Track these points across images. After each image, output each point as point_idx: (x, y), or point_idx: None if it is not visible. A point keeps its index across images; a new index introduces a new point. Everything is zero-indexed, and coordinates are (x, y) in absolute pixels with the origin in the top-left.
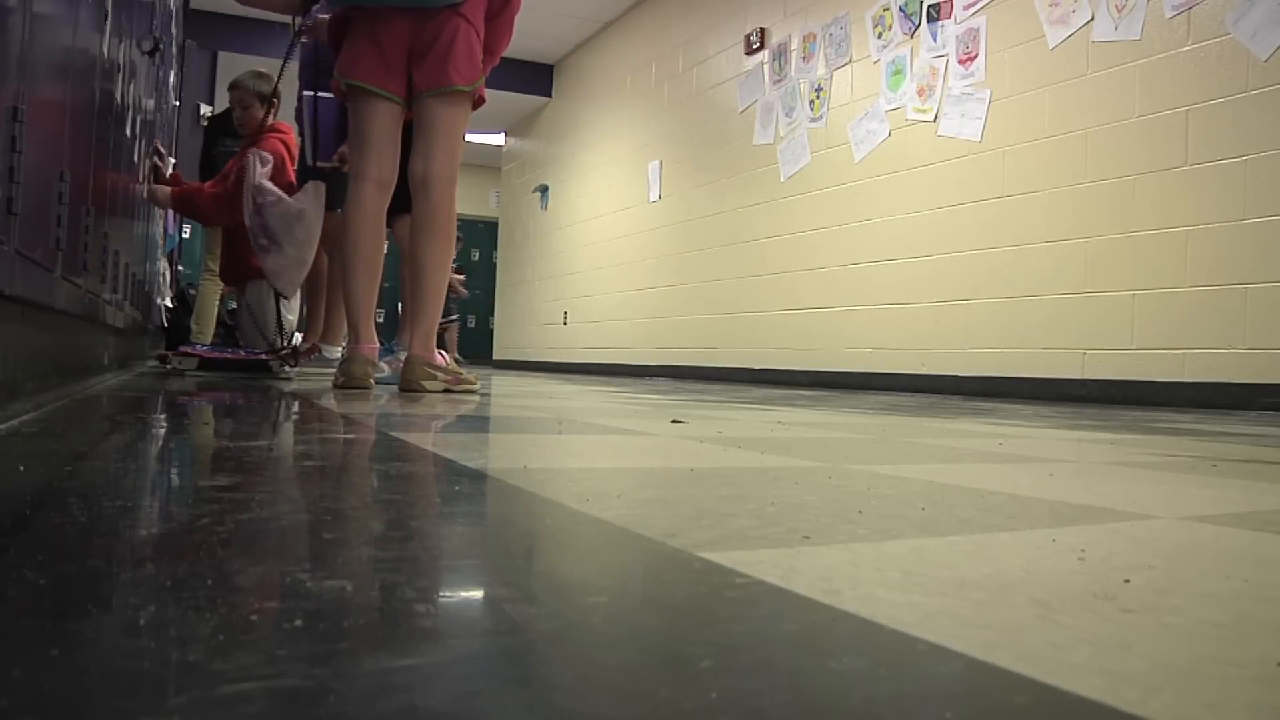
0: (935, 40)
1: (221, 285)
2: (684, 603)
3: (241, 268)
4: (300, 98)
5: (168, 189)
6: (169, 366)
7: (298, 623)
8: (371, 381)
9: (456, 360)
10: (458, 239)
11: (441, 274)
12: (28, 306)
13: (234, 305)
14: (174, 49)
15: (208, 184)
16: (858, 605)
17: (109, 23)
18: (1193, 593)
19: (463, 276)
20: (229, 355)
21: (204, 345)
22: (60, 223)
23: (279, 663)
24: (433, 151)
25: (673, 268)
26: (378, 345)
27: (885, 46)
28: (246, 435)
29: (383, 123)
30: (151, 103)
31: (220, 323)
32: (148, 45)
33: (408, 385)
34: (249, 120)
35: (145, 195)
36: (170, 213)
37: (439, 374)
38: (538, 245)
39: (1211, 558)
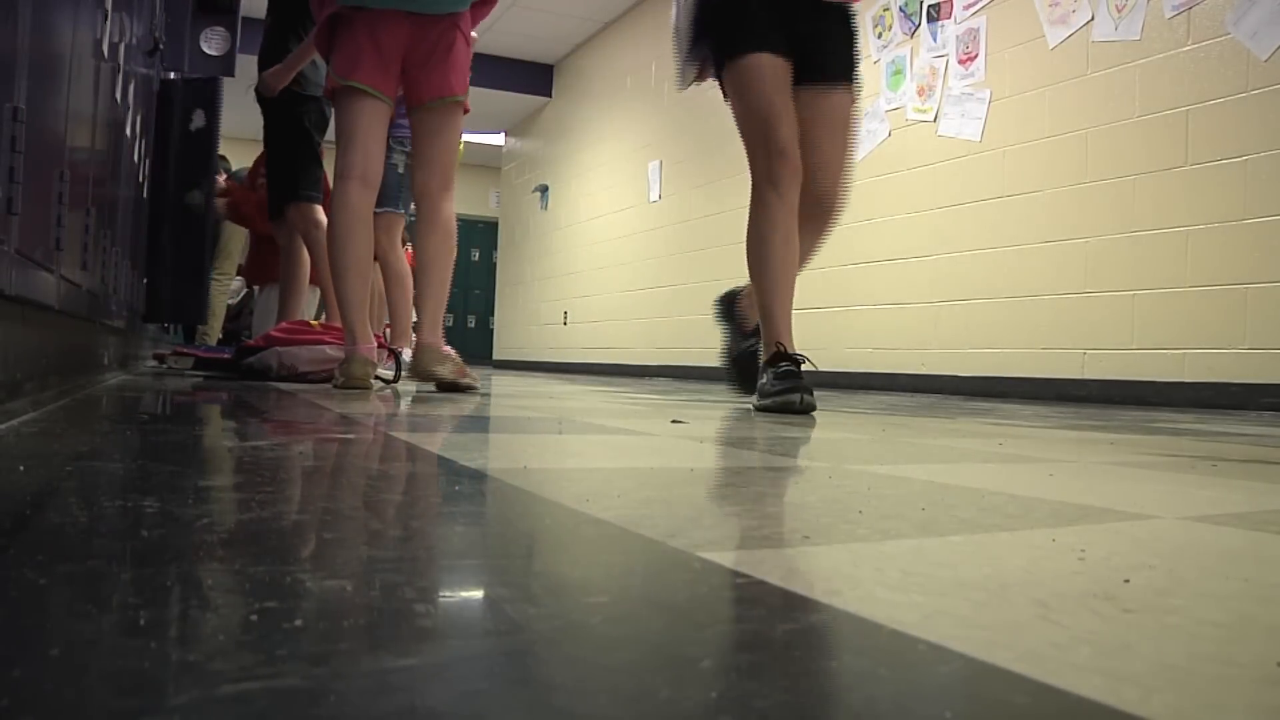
0: (935, 40)
1: (229, 287)
2: (684, 603)
3: (265, 268)
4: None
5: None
6: (166, 366)
7: (298, 623)
8: (372, 382)
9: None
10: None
11: (447, 268)
12: (28, 306)
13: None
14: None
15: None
16: (858, 605)
17: (109, 23)
18: (1193, 592)
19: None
20: (225, 356)
21: (203, 346)
22: (60, 223)
23: (279, 663)
24: (435, 160)
25: (673, 268)
26: (375, 345)
27: (885, 46)
28: (245, 435)
29: (372, 121)
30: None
31: (226, 317)
32: (148, 45)
33: (420, 371)
34: None
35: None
36: None
37: (448, 361)
38: (538, 245)
39: (1211, 557)
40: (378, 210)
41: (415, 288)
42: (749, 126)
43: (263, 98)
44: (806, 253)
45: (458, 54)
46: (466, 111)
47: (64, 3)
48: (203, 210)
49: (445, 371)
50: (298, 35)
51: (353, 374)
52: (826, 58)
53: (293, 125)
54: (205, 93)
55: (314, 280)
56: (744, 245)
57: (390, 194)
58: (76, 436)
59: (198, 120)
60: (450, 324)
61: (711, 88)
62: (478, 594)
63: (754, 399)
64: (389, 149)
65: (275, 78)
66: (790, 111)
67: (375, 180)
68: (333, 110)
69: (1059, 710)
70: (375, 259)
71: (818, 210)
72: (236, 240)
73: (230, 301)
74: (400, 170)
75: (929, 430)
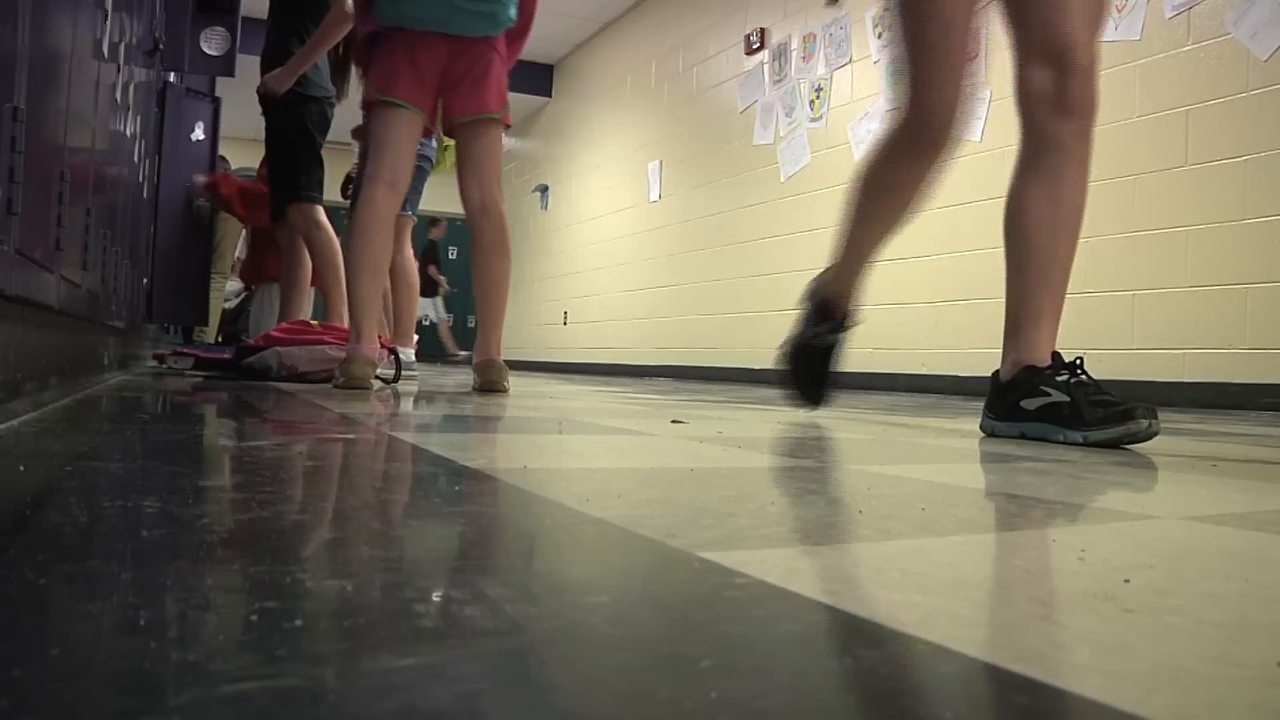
0: None
1: (226, 287)
2: (684, 603)
3: (260, 269)
4: None
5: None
6: (166, 366)
7: (298, 623)
8: (373, 382)
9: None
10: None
11: (508, 285)
12: (28, 306)
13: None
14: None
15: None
16: (857, 605)
17: (109, 23)
18: (1193, 592)
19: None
20: (226, 356)
21: (201, 345)
22: (60, 223)
23: (279, 663)
24: (486, 177)
25: (673, 268)
26: (379, 346)
27: (886, 46)
28: (246, 435)
29: (403, 130)
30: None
31: (225, 320)
32: (148, 45)
33: (491, 386)
34: None
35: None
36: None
37: (506, 374)
38: (538, 245)
39: (1212, 557)
40: None
41: (477, 303)
42: (913, 50)
43: (265, 98)
44: (1071, 166)
45: (495, 74)
46: (509, 126)
47: (64, 3)
48: (208, 217)
49: (508, 384)
50: (300, 37)
51: (353, 374)
52: None
53: (295, 126)
54: (206, 108)
55: (314, 281)
56: (744, 244)
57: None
58: (76, 436)
59: (198, 132)
60: (450, 324)
61: (712, 87)
62: (478, 594)
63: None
64: None
65: (278, 80)
66: (963, 43)
67: (402, 188)
68: (331, 111)
69: (1059, 710)
70: None
71: (1064, 81)
72: (231, 239)
73: (227, 305)
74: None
75: (929, 430)
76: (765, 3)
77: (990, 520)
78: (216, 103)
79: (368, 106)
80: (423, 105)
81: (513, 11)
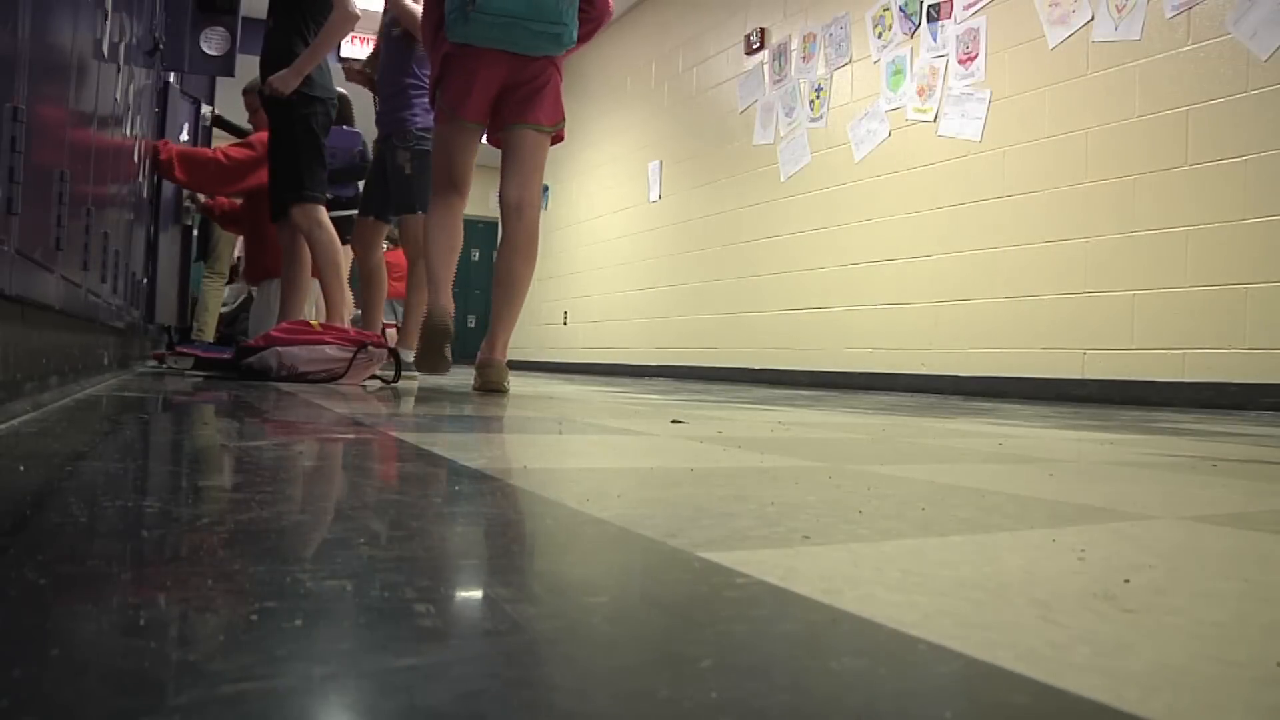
0: (935, 40)
1: (224, 287)
2: (684, 603)
3: (259, 268)
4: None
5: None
6: (165, 366)
7: (298, 623)
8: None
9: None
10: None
11: (526, 290)
12: (28, 306)
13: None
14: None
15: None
16: (858, 605)
17: (109, 23)
18: (1193, 592)
19: None
20: (226, 356)
21: (200, 345)
22: (60, 223)
23: (279, 663)
24: (527, 179)
25: (673, 268)
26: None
27: (885, 46)
28: (246, 435)
29: (469, 147)
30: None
31: (221, 323)
32: (148, 45)
33: (491, 386)
34: (259, 123)
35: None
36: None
37: (507, 375)
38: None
39: (1211, 557)
40: (396, 216)
41: (494, 301)
42: None
43: (268, 98)
44: None
45: (551, 89)
46: (560, 139)
47: (64, 3)
48: (191, 217)
49: (508, 384)
50: (304, 38)
51: (436, 318)
52: None
53: (298, 126)
54: (189, 108)
55: (314, 273)
56: (744, 244)
57: (408, 197)
58: (76, 436)
59: (184, 134)
60: None
61: (712, 88)
62: (478, 594)
63: None
64: (395, 149)
65: (283, 81)
66: None
67: (466, 191)
68: (334, 112)
69: (1059, 710)
70: (376, 263)
71: None
72: (228, 239)
73: (225, 309)
74: (407, 171)
75: (929, 430)
76: (765, 3)
77: (990, 520)
78: (196, 104)
79: (438, 119)
80: (483, 120)
81: (575, 33)
